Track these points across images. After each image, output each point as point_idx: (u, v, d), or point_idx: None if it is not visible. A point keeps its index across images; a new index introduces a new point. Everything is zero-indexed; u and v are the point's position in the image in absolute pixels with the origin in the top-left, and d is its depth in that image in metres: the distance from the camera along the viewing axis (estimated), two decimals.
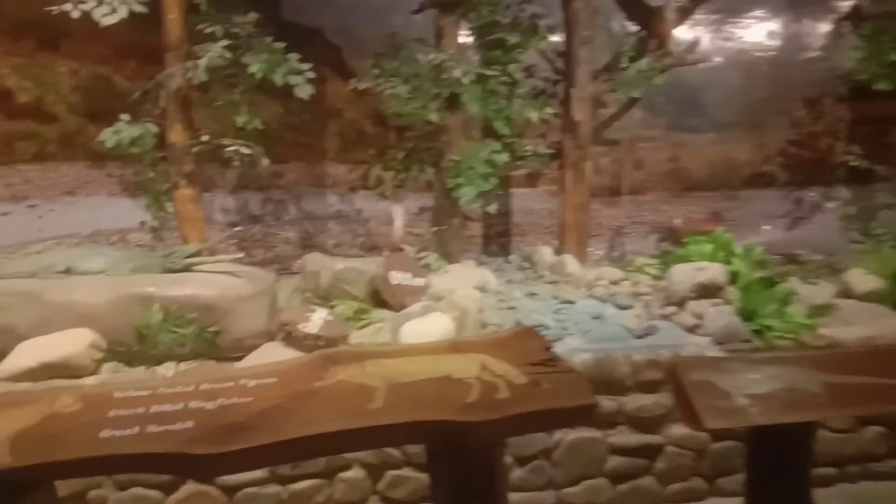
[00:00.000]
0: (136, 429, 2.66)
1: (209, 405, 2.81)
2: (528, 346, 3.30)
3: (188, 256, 4.58)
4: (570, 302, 5.89)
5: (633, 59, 7.26)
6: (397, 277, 5.72)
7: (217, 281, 4.48)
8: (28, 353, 3.91)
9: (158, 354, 4.21)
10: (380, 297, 5.63)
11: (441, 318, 4.46)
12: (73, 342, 3.96)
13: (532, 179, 9.48)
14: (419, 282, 5.87)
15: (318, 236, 8.12)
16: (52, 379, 3.87)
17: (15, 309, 4.15)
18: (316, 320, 4.64)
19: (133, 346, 4.17)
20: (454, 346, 3.31)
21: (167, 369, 4.19)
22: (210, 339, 4.28)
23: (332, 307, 5.45)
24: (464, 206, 6.35)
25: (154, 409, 2.79)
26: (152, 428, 2.67)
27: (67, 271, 4.44)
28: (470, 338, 3.80)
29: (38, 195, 5.99)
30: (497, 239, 8.62)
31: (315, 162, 8.20)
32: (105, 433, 2.64)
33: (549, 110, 6.59)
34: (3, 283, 4.29)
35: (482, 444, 2.87)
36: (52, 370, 3.87)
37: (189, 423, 2.70)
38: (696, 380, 3.27)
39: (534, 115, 6.55)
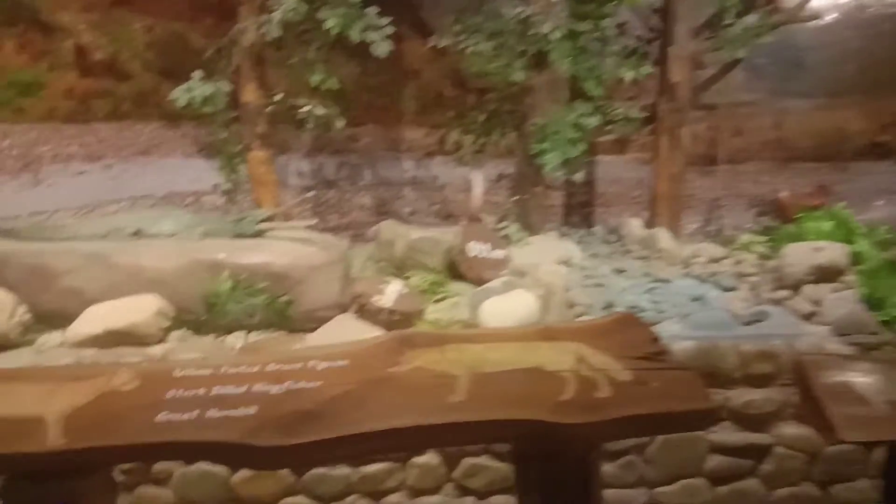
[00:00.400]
0: (196, 413, 2.41)
1: (275, 389, 2.54)
2: (631, 335, 2.88)
3: (260, 221, 4.35)
4: (665, 280, 5.39)
5: (738, 15, 6.55)
6: (475, 249, 5.37)
7: (290, 248, 4.24)
8: (95, 319, 3.78)
9: (227, 324, 4.02)
10: (456, 270, 5.30)
11: (524, 297, 4.09)
12: (140, 309, 3.80)
13: (620, 146, 8.90)
14: (498, 254, 5.50)
15: (392, 203, 7.85)
16: (118, 346, 3.73)
17: (84, 272, 4.03)
18: (390, 293, 4.35)
19: (201, 314, 3.99)
20: (545, 333, 2.93)
21: (236, 339, 4.00)
22: (281, 310, 4.06)
23: (406, 278, 5.17)
24: (548, 174, 5.90)
25: (216, 390, 2.54)
26: (212, 413, 2.42)
27: (137, 234, 4.30)
28: (563, 323, 3.42)
29: (113, 155, 5.92)
30: (579, 209, 8.13)
31: (391, 125, 7.90)
32: (162, 416, 2.41)
33: (646, 69, 6.01)
34: (74, 244, 4.17)
35: (578, 449, 2.50)
36: (118, 337, 3.73)
37: (252, 409, 2.43)
38: (828, 382, 2.79)
39: (629, 75, 6.00)
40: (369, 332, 4.10)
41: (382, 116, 7.64)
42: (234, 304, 3.92)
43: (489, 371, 2.62)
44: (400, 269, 5.34)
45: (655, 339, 2.90)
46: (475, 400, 2.48)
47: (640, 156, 8.99)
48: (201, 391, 2.53)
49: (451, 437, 2.53)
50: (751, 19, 6.45)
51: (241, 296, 3.92)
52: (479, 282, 5.21)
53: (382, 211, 7.88)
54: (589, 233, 7.24)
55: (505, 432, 2.45)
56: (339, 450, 2.35)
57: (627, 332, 2.91)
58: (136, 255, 4.06)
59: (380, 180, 7.88)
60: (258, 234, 4.34)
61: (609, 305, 4.60)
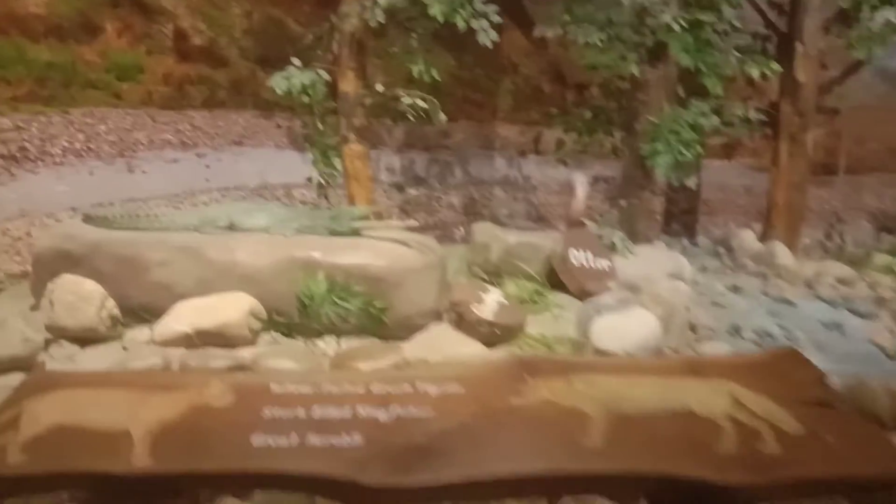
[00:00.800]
0: (295, 438, 2.15)
1: (382, 415, 2.24)
2: (794, 375, 2.45)
3: (356, 219, 4.08)
4: (788, 302, 4.86)
5: (875, 8, 5.88)
6: (578, 257, 4.97)
7: (387, 250, 3.95)
8: (184, 317, 3.59)
9: (319, 327, 3.76)
10: (555, 278, 4.92)
11: (644, 316, 3.66)
12: (231, 308, 3.59)
13: (728, 150, 8.31)
14: (602, 264, 5.08)
15: (482, 202, 7.53)
16: (206, 347, 3.52)
17: (176, 265, 3.86)
18: (489, 302, 4.00)
19: (293, 316, 3.75)
20: (690, 366, 2.53)
21: (327, 345, 3.74)
22: (376, 316, 3.77)
23: (499, 284, 4.82)
24: (659, 178, 5.43)
25: (316, 411, 2.26)
26: (314, 439, 2.14)
27: (230, 227, 4.10)
28: (711, 356, 2.97)
29: (206, 143, 5.81)
30: (681, 217, 7.59)
31: (485, 121, 7.58)
32: (258, 439, 2.15)
33: (776, 66, 5.45)
34: (165, 236, 4.01)
35: None
36: (207, 337, 3.52)
37: (357, 438, 2.14)
38: None
39: (755, 72, 5.46)
40: (468, 345, 3.78)
41: (476, 112, 7.32)
42: (330, 307, 3.66)
43: (628, 411, 2.24)
44: (495, 275, 5.00)
45: (823, 381, 2.46)
46: (614, 446, 2.11)
47: (749, 161, 8.35)
48: (301, 411, 2.26)
49: (585, 489, 2.18)
50: (889, 14, 5.78)
51: (337, 298, 3.65)
52: (580, 293, 4.81)
53: (471, 211, 7.57)
54: (692, 243, 6.71)
55: (651, 489, 2.07)
56: (456, 495, 2.03)
57: (789, 371, 2.48)
58: (228, 250, 3.86)
59: (470, 179, 7.57)
60: (354, 232, 4.08)
61: (735, 329, 4.13)
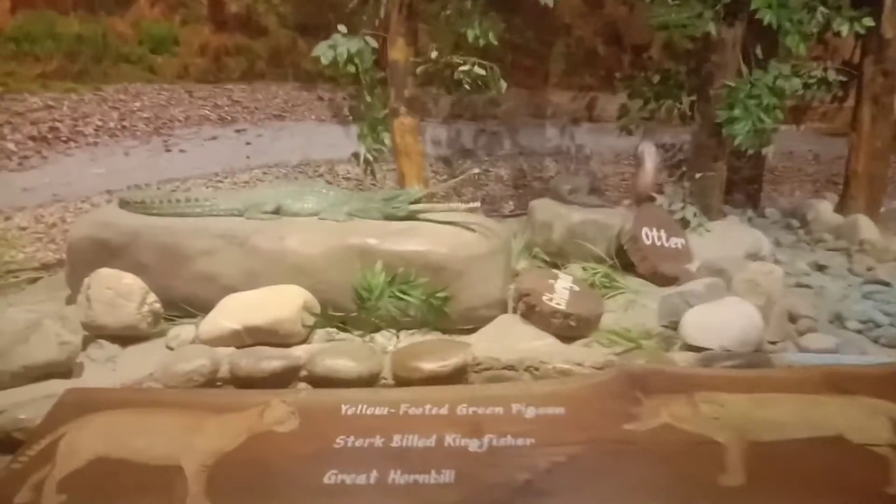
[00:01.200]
0: (374, 474, 1.82)
1: (473, 445, 1.91)
2: None
3: (413, 201, 3.73)
4: (883, 283, 4.41)
5: None
6: (650, 236, 4.56)
7: (448, 235, 3.60)
8: (232, 312, 3.29)
9: (377, 321, 3.44)
10: (624, 259, 4.52)
11: (742, 307, 3.26)
12: (283, 303, 3.27)
13: (796, 114, 7.71)
14: (676, 242, 4.67)
15: (533, 175, 7.11)
16: (256, 345, 3.23)
17: (221, 255, 3.55)
18: (560, 290, 3.64)
19: (349, 309, 3.43)
20: (830, 380, 2.15)
21: (387, 340, 3.42)
22: (438, 307, 3.44)
23: (564, 267, 4.45)
24: (739, 146, 4.96)
25: (397, 441, 1.94)
26: (396, 476, 1.82)
27: (277, 212, 3.78)
28: (848, 366, 2.57)
29: (245, 118, 5.47)
30: (744, 186, 7.04)
31: (536, 88, 7.12)
32: (331, 476, 1.83)
33: (868, 21, 4.90)
34: (208, 222, 3.70)
35: None
36: (258, 335, 3.22)
37: (449, 475, 1.82)
38: None
39: (844, 29, 4.92)
40: (540, 339, 3.43)
41: (527, 78, 6.87)
42: (389, 300, 3.33)
43: (766, 439, 1.88)
44: (558, 256, 4.63)
45: None
46: (757, 485, 1.75)
47: (819, 126, 7.77)
48: (378, 440, 1.94)
49: None
50: None
51: (398, 290, 3.32)
52: (654, 276, 4.42)
53: (520, 184, 7.16)
54: (759, 214, 6.23)
55: None
56: None
57: None
58: (277, 238, 3.54)
59: (520, 150, 7.14)
60: (410, 215, 3.73)
61: (836, 318, 3.71)
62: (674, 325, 3.48)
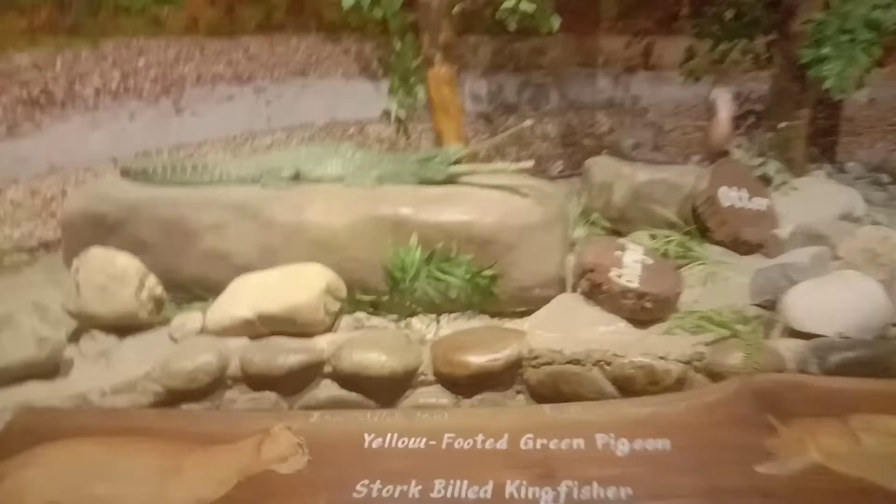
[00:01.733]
0: None
1: (546, 497, 1.37)
2: None
3: (452, 162, 3.17)
4: None
5: None
6: (729, 196, 3.94)
7: (495, 201, 3.05)
8: (244, 297, 2.81)
9: (413, 304, 2.93)
10: (700, 224, 3.91)
11: (862, 283, 2.64)
12: (303, 287, 2.77)
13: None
14: (760, 203, 4.04)
15: (584, 131, 6.46)
16: (272, 336, 2.75)
17: (231, 229, 3.07)
18: (631, 264, 3.06)
19: (380, 291, 2.92)
20: None
21: (424, 326, 2.91)
22: (484, 287, 2.91)
23: (627, 235, 3.87)
24: (827, 91, 4.26)
25: (439, 488, 1.41)
26: None
27: (296, 178, 3.27)
28: None
29: (264, 75, 4.95)
30: (820, 137, 6.28)
31: (585, 34, 6.43)
32: None
33: None
34: (218, 192, 3.21)
35: None
36: (274, 323, 2.74)
37: None
38: None
39: None
40: (609, 324, 2.88)
41: (575, 23, 6.14)
42: (428, 279, 2.81)
43: None
44: (621, 222, 4.04)
45: None
46: None
47: None
48: (414, 487, 1.42)
49: None
50: None
51: (437, 270, 2.79)
52: (735, 243, 3.81)
53: (569, 142, 6.53)
54: (839, 168, 5.53)
55: None
56: None
57: None
58: (296, 208, 3.04)
59: (568, 103, 6.49)
60: (450, 179, 3.17)
61: None
62: (770, 305, 2.90)
